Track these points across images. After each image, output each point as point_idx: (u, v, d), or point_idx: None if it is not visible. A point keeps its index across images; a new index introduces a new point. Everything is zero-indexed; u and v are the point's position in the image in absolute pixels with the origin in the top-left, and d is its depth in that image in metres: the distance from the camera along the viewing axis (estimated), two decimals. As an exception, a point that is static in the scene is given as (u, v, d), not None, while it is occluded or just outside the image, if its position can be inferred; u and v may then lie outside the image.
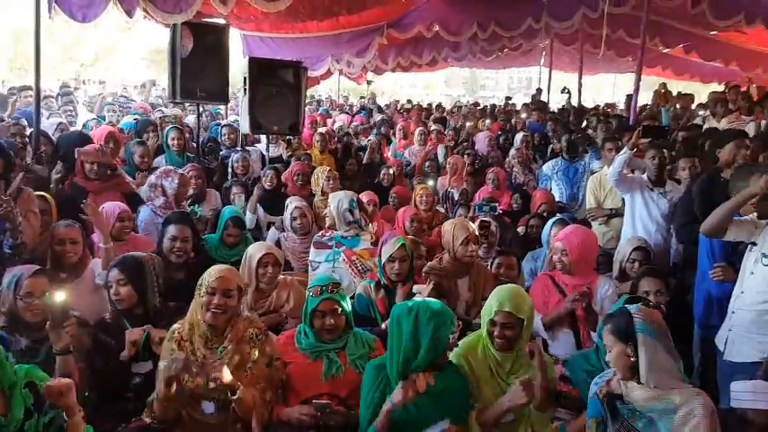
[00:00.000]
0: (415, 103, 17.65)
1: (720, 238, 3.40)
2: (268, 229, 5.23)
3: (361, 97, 18.12)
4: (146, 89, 12.49)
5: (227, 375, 2.52)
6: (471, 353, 2.85)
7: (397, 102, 16.52)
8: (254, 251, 3.64)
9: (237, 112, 8.10)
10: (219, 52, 6.42)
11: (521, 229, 5.20)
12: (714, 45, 11.76)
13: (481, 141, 8.24)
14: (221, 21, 7.31)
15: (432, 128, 9.42)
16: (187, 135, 6.58)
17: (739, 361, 3.25)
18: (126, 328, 2.92)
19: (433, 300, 2.78)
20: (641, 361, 2.30)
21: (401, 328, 2.61)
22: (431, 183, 6.56)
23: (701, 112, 9.54)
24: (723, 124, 7.45)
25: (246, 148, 7.00)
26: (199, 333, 2.71)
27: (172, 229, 3.74)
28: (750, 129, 6.63)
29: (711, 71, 13.80)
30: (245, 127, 6.52)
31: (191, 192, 5.03)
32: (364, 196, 5.30)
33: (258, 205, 5.37)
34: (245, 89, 6.31)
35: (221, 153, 6.83)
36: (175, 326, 2.77)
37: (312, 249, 4.21)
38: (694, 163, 4.82)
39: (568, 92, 12.61)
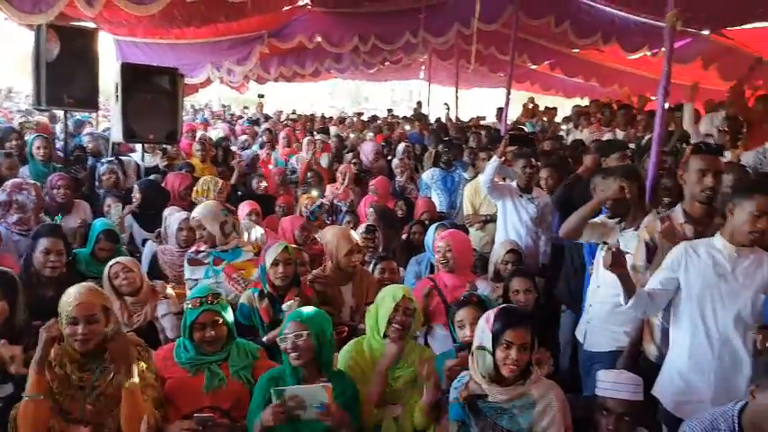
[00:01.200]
0: (300, 114, 17.58)
1: (576, 239, 3.69)
2: (143, 244, 4.98)
3: (245, 107, 17.77)
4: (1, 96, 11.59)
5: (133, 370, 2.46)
6: (358, 355, 2.95)
7: (281, 112, 16.36)
8: (106, 267, 3.60)
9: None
10: (89, 57, 6.12)
11: (404, 236, 5.35)
12: (576, 62, 12.62)
13: (367, 151, 8.38)
14: (91, 24, 6.95)
15: (316, 137, 9.46)
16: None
17: (597, 351, 3.51)
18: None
19: (308, 309, 2.83)
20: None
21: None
22: (315, 192, 6.57)
23: (563, 126, 10.32)
24: (585, 135, 8.08)
25: (120, 157, 6.66)
26: (69, 359, 2.54)
27: (44, 243, 3.53)
28: (608, 138, 7.25)
29: (574, 86, 14.78)
30: (117, 135, 6.21)
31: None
32: (246, 206, 5.22)
33: (133, 220, 5.11)
34: (117, 96, 6.03)
35: (89, 163, 6.47)
36: None
37: (187, 266, 3.97)
38: (556, 171, 5.23)
39: (448, 107, 13.15)
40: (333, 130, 12.61)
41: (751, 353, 2.81)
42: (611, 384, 2.56)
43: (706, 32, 8.71)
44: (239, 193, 6.67)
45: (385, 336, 2.92)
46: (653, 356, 3.17)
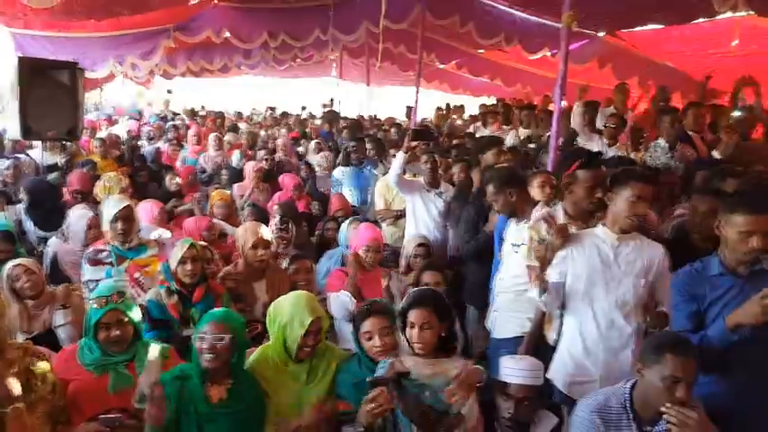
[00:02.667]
0: (209, 110, 17.07)
1: None
2: (39, 244, 4.74)
3: (149, 104, 17.10)
4: None
5: (15, 386, 2.35)
6: (262, 364, 2.82)
7: (193, 109, 15.83)
8: (4, 268, 3.46)
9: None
10: (-21, 50, 5.80)
11: (318, 233, 5.37)
12: (481, 62, 12.95)
13: (280, 146, 8.33)
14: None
15: (226, 135, 9.31)
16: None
17: (504, 337, 3.70)
18: None
19: (218, 309, 2.82)
20: None
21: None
22: (228, 191, 6.46)
23: (459, 122, 10.66)
24: (488, 133, 8.40)
25: (17, 155, 6.32)
26: None
27: None
28: (511, 136, 7.58)
29: (480, 86, 15.17)
30: (14, 132, 5.91)
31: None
32: (155, 206, 5.07)
33: (28, 219, 4.87)
34: (13, 91, 5.74)
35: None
36: None
37: (87, 267, 3.79)
38: (465, 166, 5.43)
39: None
40: (243, 126, 12.42)
41: (636, 329, 3.04)
42: (512, 370, 2.67)
43: (601, 34, 9.21)
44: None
45: (297, 358, 2.77)
46: (552, 341, 3.35)
